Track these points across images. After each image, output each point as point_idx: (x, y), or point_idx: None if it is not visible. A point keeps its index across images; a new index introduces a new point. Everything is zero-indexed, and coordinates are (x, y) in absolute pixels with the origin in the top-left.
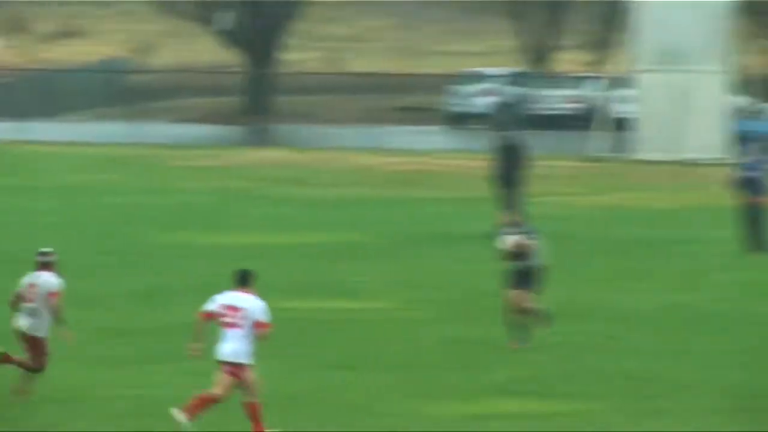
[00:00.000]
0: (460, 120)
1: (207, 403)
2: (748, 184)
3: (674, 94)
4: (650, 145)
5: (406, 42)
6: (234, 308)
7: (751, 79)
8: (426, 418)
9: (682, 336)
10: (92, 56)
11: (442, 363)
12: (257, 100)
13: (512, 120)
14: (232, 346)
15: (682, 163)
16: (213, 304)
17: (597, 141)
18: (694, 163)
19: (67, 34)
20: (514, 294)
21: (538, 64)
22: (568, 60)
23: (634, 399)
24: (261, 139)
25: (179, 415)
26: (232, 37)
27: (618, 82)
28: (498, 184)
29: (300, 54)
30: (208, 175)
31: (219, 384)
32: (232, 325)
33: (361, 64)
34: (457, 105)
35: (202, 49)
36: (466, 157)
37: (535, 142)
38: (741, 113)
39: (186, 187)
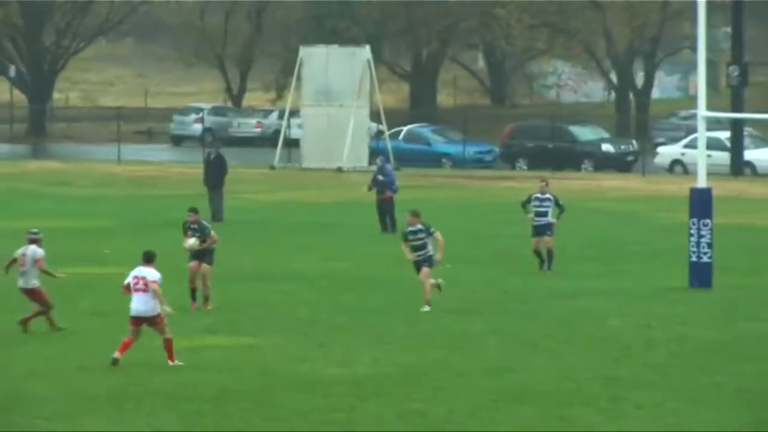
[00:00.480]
0: (180, 140)
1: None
2: (380, 185)
3: (329, 122)
4: (313, 157)
5: (141, 84)
6: (141, 278)
7: (383, 111)
8: (157, 349)
9: (336, 292)
10: None
11: None
12: (37, 126)
13: (216, 140)
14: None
15: (335, 170)
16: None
17: (276, 155)
18: (343, 170)
19: None
20: (194, 266)
21: (234, 100)
22: (255, 97)
23: (304, 335)
24: (40, 154)
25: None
26: (19, 82)
27: (291, 113)
28: (206, 185)
29: (66, 93)
30: (3, 178)
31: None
32: (140, 290)
33: (109, 100)
34: (177, 129)
35: None
36: (184, 166)
37: (232, 156)
38: (376, 135)
39: None
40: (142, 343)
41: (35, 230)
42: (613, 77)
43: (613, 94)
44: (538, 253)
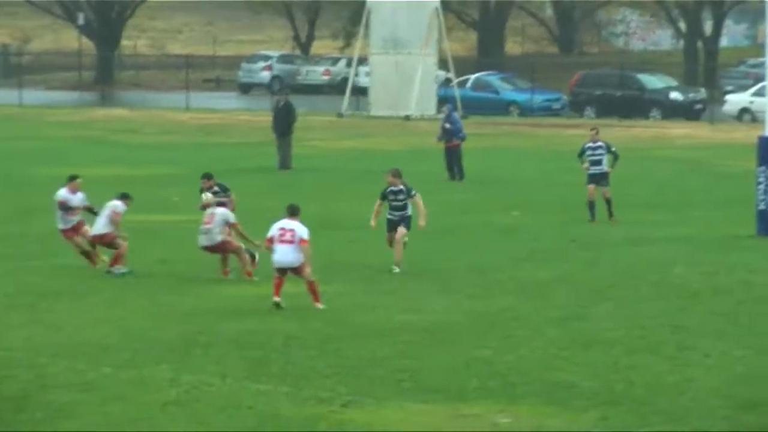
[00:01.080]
0: (247, 88)
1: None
2: (447, 133)
3: (397, 70)
4: (380, 105)
5: (209, 32)
6: (288, 230)
7: (451, 59)
8: (225, 297)
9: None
10: None
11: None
12: (105, 74)
13: (284, 88)
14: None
15: (403, 118)
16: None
17: (344, 103)
18: (411, 118)
19: None
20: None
21: (302, 47)
22: (324, 45)
23: (371, 283)
24: (107, 102)
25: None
26: (87, 30)
27: (358, 61)
28: (275, 132)
29: (134, 41)
30: (70, 127)
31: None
32: (286, 242)
33: (177, 47)
34: (245, 77)
35: (68, 38)
36: (252, 114)
37: (300, 103)
38: (444, 83)
39: (55, 135)
40: (210, 291)
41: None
42: (682, 25)
43: (681, 42)
44: (591, 204)
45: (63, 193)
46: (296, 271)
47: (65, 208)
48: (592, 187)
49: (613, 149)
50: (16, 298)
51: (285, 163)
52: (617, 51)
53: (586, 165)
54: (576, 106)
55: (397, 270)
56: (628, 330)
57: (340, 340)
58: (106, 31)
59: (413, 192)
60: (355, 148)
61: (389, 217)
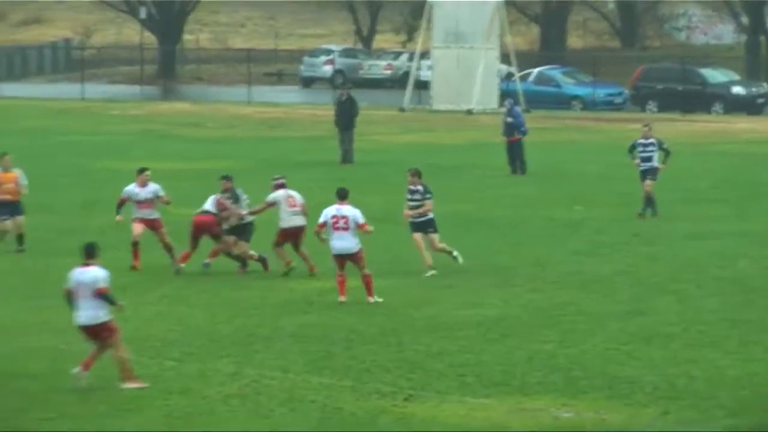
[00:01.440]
0: (309, 82)
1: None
2: (508, 127)
3: (459, 63)
4: (442, 99)
5: (271, 27)
6: (341, 217)
7: (514, 53)
8: (289, 290)
9: (463, 234)
10: (50, 37)
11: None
12: (167, 68)
13: (346, 81)
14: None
15: (465, 112)
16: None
17: (405, 97)
18: (473, 112)
19: (33, 21)
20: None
21: (364, 41)
22: (386, 39)
23: (431, 277)
24: (170, 96)
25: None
26: (149, 24)
27: (420, 55)
28: (337, 126)
29: (197, 35)
30: (133, 121)
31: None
32: (340, 228)
33: (239, 41)
34: (307, 71)
35: (130, 32)
36: (314, 108)
37: (362, 97)
38: (506, 77)
39: (117, 130)
40: (271, 285)
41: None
42: (744, 19)
43: (743, 37)
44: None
45: (129, 188)
46: (354, 258)
47: (121, 204)
48: (647, 183)
49: (665, 146)
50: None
51: (347, 157)
52: (679, 45)
53: (636, 161)
54: (638, 101)
55: (433, 273)
56: (689, 324)
57: (402, 335)
58: (168, 25)
59: (428, 195)
60: (417, 142)
61: (411, 218)
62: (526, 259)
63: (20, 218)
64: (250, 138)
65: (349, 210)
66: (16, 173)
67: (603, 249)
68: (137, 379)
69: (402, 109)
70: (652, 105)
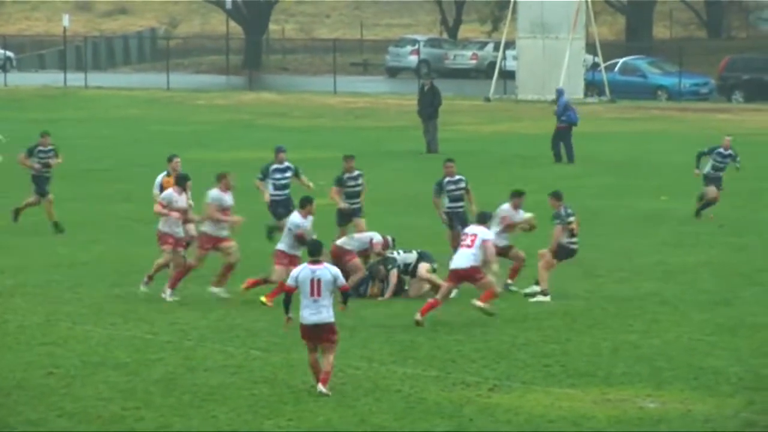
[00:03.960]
0: (395, 72)
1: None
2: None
3: (545, 53)
4: (528, 89)
5: (356, 17)
6: (471, 235)
7: (599, 43)
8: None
9: (543, 225)
10: (136, 27)
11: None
12: (253, 58)
13: (431, 71)
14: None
15: (550, 102)
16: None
17: (491, 87)
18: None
19: (119, 11)
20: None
21: (449, 31)
22: (470, 29)
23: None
24: (256, 86)
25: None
26: (235, 14)
27: (506, 45)
28: (422, 117)
29: (282, 25)
30: (219, 110)
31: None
32: (465, 245)
33: (325, 32)
34: (393, 61)
35: (215, 22)
36: (400, 98)
37: (447, 87)
38: (591, 67)
39: (204, 119)
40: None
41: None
42: None
43: None
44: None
45: (215, 193)
46: (472, 279)
47: (218, 211)
48: (712, 189)
49: (738, 159)
50: (160, 283)
51: (432, 147)
52: (765, 35)
53: (697, 172)
54: (724, 91)
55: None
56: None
57: (486, 325)
58: (253, 15)
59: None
60: (502, 131)
61: (450, 210)
62: (610, 250)
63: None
64: (336, 128)
65: (481, 230)
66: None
67: (688, 239)
68: None
69: (487, 99)
70: (738, 95)
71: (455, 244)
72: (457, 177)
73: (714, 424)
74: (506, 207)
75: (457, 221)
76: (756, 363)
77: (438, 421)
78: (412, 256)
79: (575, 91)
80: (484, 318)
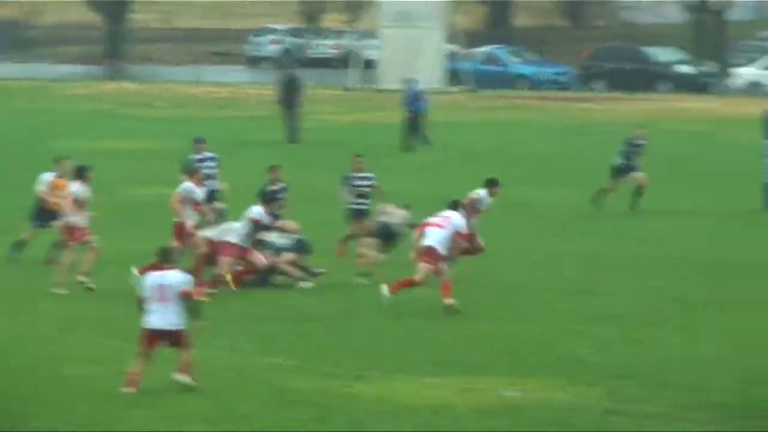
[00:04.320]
0: (256, 61)
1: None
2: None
3: (406, 43)
4: (389, 78)
5: (217, 5)
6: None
7: (460, 32)
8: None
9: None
10: None
11: None
12: (114, 48)
13: (292, 61)
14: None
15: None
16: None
17: (352, 76)
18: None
19: None
20: None
21: (310, 21)
22: (331, 18)
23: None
24: (117, 75)
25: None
26: (95, 4)
27: (367, 34)
28: (282, 106)
29: (143, 15)
30: (80, 100)
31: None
32: (436, 226)
33: (185, 21)
34: (253, 50)
35: (76, 12)
36: (261, 88)
37: (308, 76)
38: (453, 56)
39: (66, 109)
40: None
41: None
42: None
43: (690, 16)
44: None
45: (188, 186)
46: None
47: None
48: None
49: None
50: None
51: (293, 137)
52: (626, 24)
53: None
54: (585, 80)
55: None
56: (634, 305)
57: (349, 316)
58: (114, 4)
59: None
60: (364, 121)
61: (355, 206)
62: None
63: None
64: (200, 118)
65: (455, 215)
66: None
67: (553, 229)
68: None
69: (348, 89)
70: (599, 84)
71: (358, 231)
72: (365, 174)
73: (574, 412)
74: (483, 193)
75: (359, 218)
76: (618, 352)
77: (302, 410)
78: (286, 242)
79: (436, 81)
80: (347, 308)
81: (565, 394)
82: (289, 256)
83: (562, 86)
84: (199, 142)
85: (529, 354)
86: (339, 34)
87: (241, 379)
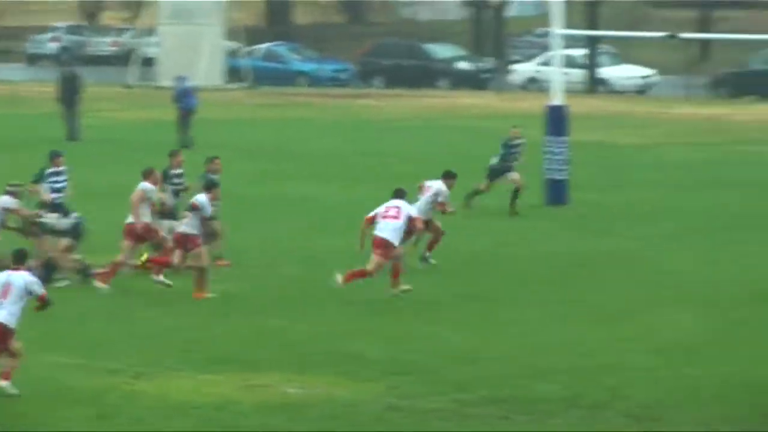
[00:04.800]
0: (35, 59)
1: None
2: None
3: (185, 40)
4: (168, 75)
5: None
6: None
7: (239, 29)
8: None
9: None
10: None
11: None
12: None
13: (71, 58)
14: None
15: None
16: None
17: (131, 73)
18: (199, 89)
19: None
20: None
21: (90, 18)
22: (111, 16)
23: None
24: None
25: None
26: None
27: (147, 32)
28: (62, 104)
29: None
30: None
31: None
32: (390, 217)
33: None
34: (33, 48)
35: None
36: (41, 85)
37: (88, 74)
38: (233, 53)
39: None
40: None
41: None
42: None
43: (469, 12)
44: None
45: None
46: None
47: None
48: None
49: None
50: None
51: (73, 135)
52: (406, 21)
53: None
54: (364, 76)
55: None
56: (415, 301)
57: (128, 312)
58: None
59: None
60: (144, 118)
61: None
62: (255, 236)
63: None
64: None
65: (403, 203)
66: None
67: (333, 225)
68: None
69: (128, 86)
70: (378, 81)
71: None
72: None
73: (356, 408)
74: (441, 183)
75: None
76: (398, 348)
77: (81, 409)
78: (64, 223)
79: (216, 78)
80: (130, 304)
81: (347, 391)
82: (66, 242)
83: (342, 83)
84: (56, 156)
85: (310, 351)
86: (119, 31)
87: (24, 378)
